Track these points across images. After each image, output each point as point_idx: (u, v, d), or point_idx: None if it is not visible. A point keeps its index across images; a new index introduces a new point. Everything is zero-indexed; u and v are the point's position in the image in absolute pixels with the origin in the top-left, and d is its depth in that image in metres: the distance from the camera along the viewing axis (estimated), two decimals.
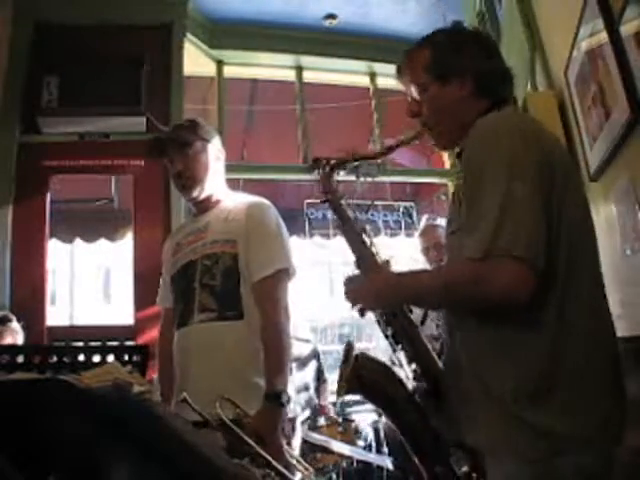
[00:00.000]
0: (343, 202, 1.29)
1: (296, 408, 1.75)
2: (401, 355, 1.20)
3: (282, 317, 1.61)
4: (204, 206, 1.81)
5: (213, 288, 1.66)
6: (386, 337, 1.21)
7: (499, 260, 0.92)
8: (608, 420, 0.96)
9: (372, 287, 1.14)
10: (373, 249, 1.24)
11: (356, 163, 1.30)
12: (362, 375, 1.19)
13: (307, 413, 3.65)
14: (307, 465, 1.49)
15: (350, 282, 1.19)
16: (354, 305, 1.16)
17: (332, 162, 1.31)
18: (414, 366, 1.18)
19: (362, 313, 1.17)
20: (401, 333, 1.19)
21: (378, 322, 1.21)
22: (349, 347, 1.25)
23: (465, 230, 1.01)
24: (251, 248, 1.68)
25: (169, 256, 1.85)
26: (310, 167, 4.04)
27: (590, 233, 1.07)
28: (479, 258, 0.94)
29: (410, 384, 1.18)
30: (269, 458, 1.27)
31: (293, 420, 1.67)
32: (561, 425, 0.93)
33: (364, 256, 1.24)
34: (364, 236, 1.26)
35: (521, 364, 0.97)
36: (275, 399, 1.50)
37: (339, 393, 1.22)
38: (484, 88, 1.15)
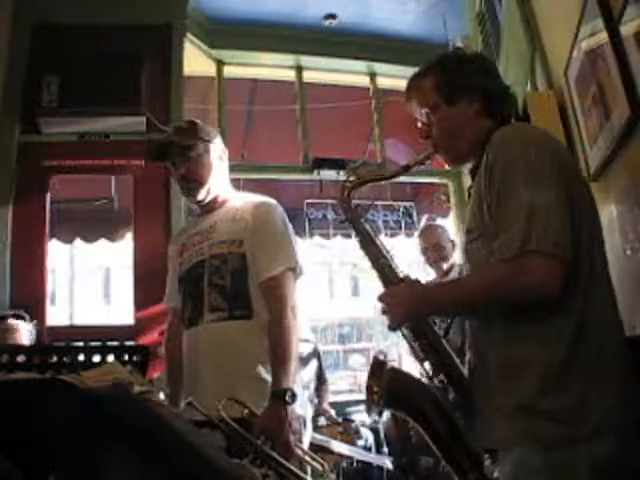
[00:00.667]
0: (363, 220, 1.33)
1: (306, 406, 1.75)
2: (427, 366, 1.22)
3: (289, 316, 1.62)
4: (210, 206, 1.81)
5: (222, 288, 1.67)
6: (412, 349, 1.22)
7: (529, 257, 0.98)
8: (622, 410, 0.99)
9: (400, 298, 1.17)
10: (394, 264, 1.27)
11: (360, 162, 1.33)
12: (395, 391, 1.21)
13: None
14: (322, 461, 1.49)
15: (381, 297, 1.21)
16: (388, 319, 1.18)
17: (352, 183, 1.35)
18: (441, 376, 1.19)
19: (394, 328, 1.19)
20: (427, 344, 1.21)
21: (404, 335, 1.22)
22: (380, 362, 1.25)
23: (490, 237, 1.07)
24: (258, 248, 1.68)
25: (175, 257, 1.85)
26: (311, 167, 4.05)
27: (600, 229, 1.13)
28: (510, 258, 1.00)
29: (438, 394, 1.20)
30: (276, 456, 1.27)
31: (303, 417, 1.67)
32: (576, 412, 0.97)
33: (386, 271, 1.26)
34: (384, 251, 1.29)
35: (545, 357, 1.01)
36: (280, 397, 1.50)
37: (371, 410, 1.24)
38: (490, 107, 1.22)
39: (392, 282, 1.24)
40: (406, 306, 1.15)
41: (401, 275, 1.25)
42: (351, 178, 1.36)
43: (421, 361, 1.21)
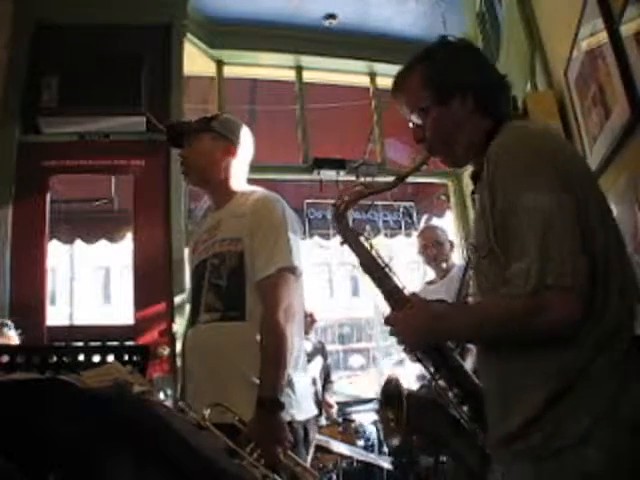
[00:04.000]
0: (362, 239, 1.25)
1: (311, 410, 1.68)
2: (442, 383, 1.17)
3: (281, 318, 1.53)
4: (219, 201, 1.79)
5: (219, 288, 1.63)
6: (423, 365, 1.18)
7: (548, 293, 0.92)
8: (611, 419, 0.94)
9: (413, 323, 1.11)
10: (399, 283, 1.21)
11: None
12: (415, 419, 1.15)
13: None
14: (314, 472, 1.44)
15: (390, 321, 1.14)
16: (401, 344, 1.12)
17: (345, 200, 1.25)
18: (456, 391, 1.15)
19: (408, 351, 1.14)
20: (440, 363, 1.17)
21: (418, 358, 1.18)
22: (394, 388, 1.18)
23: (495, 257, 1.01)
24: (255, 246, 1.63)
25: (190, 254, 1.87)
26: (311, 167, 4.05)
27: (618, 236, 1.07)
28: (527, 293, 0.93)
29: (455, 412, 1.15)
30: (259, 465, 1.25)
31: (307, 422, 1.61)
32: (572, 421, 0.93)
33: (392, 291, 1.20)
34: (387, 269, 1.22)
35: (542, 390, 0.96)
36: (263, 406, 1.44)
37: (391, 439, 1.17)
38: (485, 103, 1.13)
39: (399, 303, 1.17)
40: (418, 332, 1.10)
41: (407, 294, 1.19)
42: (345, 197, 1.26)
43: (435, 379, 1.17)
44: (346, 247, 1.27)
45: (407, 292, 1.19)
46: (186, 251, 2.88)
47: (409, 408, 1.15)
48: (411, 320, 1.11)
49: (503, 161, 1.02)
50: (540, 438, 0.95)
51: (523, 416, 0.97)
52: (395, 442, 1.19)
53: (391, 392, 1.19)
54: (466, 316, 1.10)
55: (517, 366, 1.00)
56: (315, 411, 1.68)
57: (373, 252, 1.23)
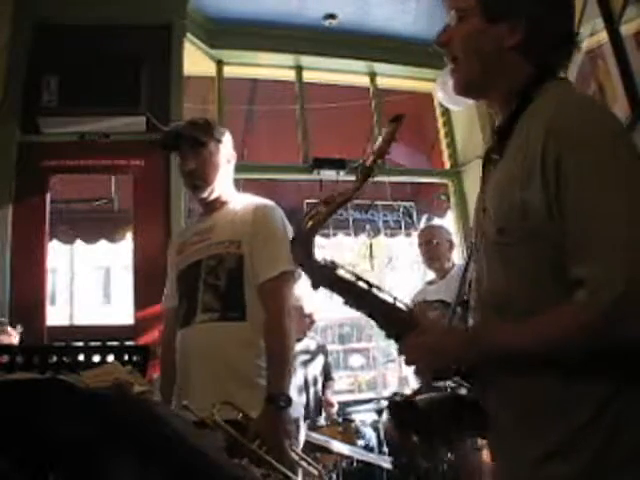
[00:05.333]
0: (341, 271, 1.00)
1: (300, 409, 1.75)
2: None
3: (285, 319, 1.60)
4: (211, 207, 1.82)
5: (217, 288, 1.66)
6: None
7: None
8: None
9: (441, 349, 0.91)
10: (400, 304, 0.97)
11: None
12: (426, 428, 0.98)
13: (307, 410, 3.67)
14: (316, 465, 1.48)
15: (406, 349, 0.95)
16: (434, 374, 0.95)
17: (307, 230, 1.00)
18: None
19: (438, 378, 0.96)
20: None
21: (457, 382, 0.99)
22: (400, 407, 1.03)
23: (543, 241, 0.84)
24: (256, 250, 1.67)
25: (174, 255, 1.86)
26: (311, 167, 4.05)
27: None
28: (612, 299, 0.74)
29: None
30: (270, 460, 1.27)
31: (297, 420, 1.67)
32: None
33: (398, 320, 0.96)
34: (382, 295, 0.97)
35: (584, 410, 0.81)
36: (274, 402, 1.49)
37: (426, 457, 1.11)
38: (534, 46, 0.94)
39: (409, 326, 0.94)
40: (453, 353, 0.90)
41: (413, 316, 0.96)
42: (306, 225, 1.01)
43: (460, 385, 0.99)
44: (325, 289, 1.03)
45: (408, 310, 0.98)
46: None
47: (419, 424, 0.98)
48: (434, 343, 0.91)
49: (579, 139, 0.83)
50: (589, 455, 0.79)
51: (568, 427, 0.81)
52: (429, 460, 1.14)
53: (399, 412, 1.05)
54: (503, 334, 0.87)
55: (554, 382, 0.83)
56: (301, 411, 1.75)
57: (355, 280, 0.99)
